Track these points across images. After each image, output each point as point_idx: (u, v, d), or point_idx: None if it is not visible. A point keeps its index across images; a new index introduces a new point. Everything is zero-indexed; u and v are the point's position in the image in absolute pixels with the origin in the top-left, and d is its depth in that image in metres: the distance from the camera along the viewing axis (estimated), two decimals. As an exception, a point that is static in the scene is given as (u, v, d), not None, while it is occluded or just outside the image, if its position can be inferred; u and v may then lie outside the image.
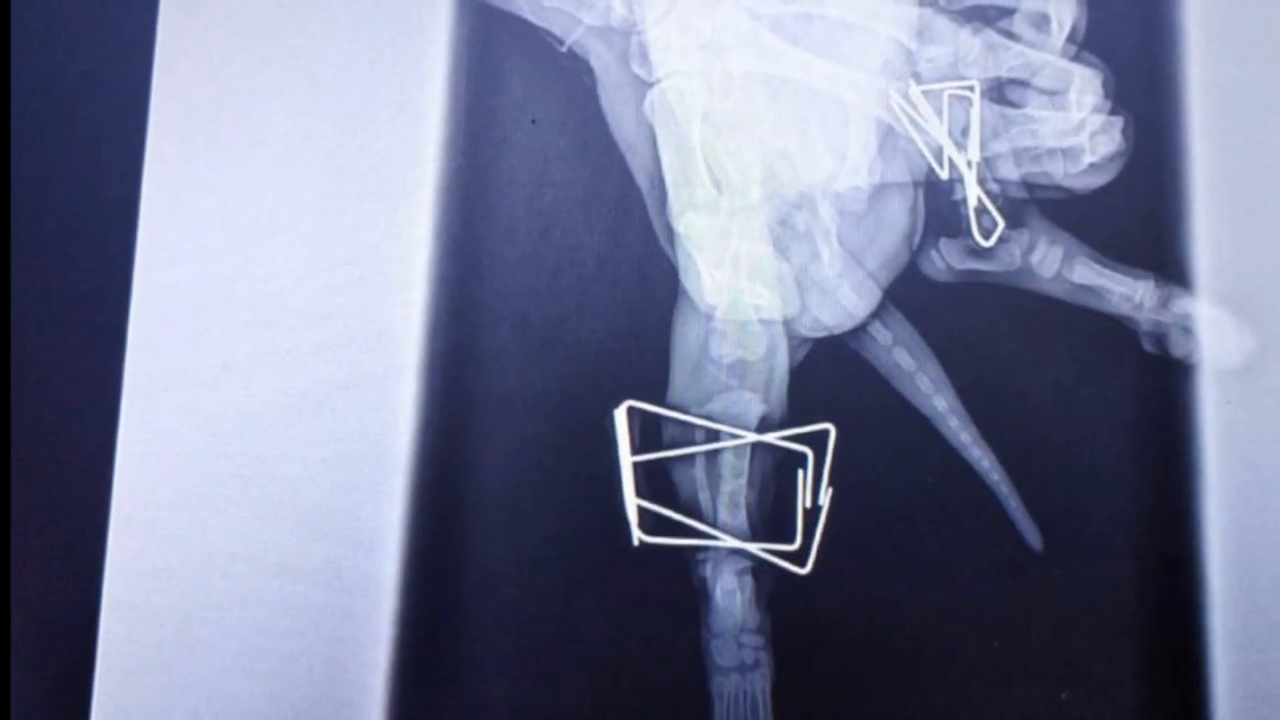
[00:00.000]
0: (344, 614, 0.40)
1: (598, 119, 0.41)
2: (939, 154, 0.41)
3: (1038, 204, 0.41)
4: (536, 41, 0.42)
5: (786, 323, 0.41)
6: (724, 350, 0.41)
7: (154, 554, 0.40)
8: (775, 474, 0.40)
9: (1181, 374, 0.40)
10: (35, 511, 0.41)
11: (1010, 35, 0.41)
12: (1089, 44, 0.41)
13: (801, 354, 0.41)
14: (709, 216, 0.41)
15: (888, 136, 0.41)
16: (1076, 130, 0.41)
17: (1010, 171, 0.41)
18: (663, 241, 0.41)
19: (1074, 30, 0.41)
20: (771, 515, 0.40)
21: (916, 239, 0.41)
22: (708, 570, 0.40)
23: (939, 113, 0.41)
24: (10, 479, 0.41)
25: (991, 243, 0.41)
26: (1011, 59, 0.41)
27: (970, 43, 0.41)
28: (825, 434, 0.40)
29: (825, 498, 0.40)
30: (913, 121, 0.41)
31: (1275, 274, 0.40)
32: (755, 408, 0.40)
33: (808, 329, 0.41)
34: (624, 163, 0.41)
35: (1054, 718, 0.39)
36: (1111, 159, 0.41)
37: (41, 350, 0.41)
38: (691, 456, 0.41)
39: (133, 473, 0.40)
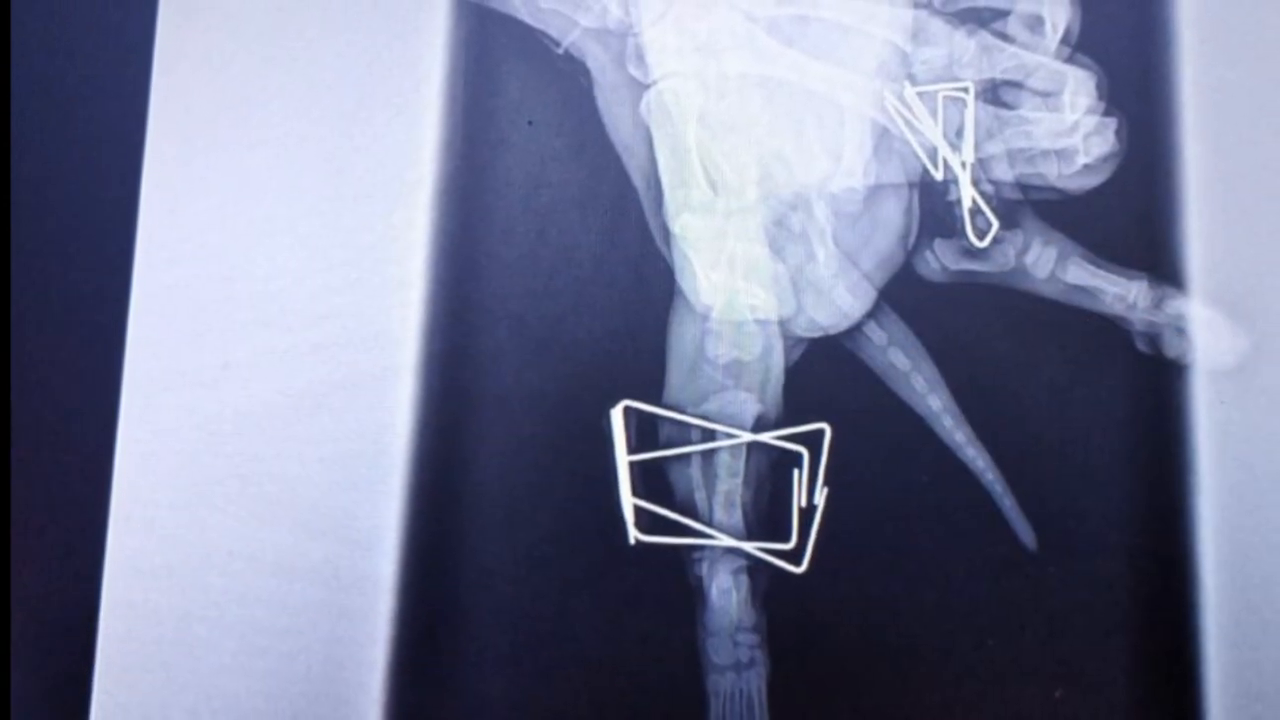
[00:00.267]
0: (342, 612, 0.40)
1: (594, 120, 0.42)
2: (934, 155, 0.41)
3: (1032, 205, 0.41)
4: (533, 43, 0.42)
5: (782, 323, 0.41)
6: (720, 350, 0.41)
7: (153, 553, 0.40)
8: (771, 473, 0.40)
9: (1175, 374, 0.40)
10: (35, 511, 0.41)
11: (1004, 37, 0.41)
12: (1083, 46, 0.41)
13: (797, 354, 0.41)
14: (705, 217, 0.41)
15: (883, 138, 0.41)
16: (1070, 131, 0.41)
17: (1004, 173, 0.41)
18: (659, 242, 0.41)
19: (1068, 32, 0.41)
20: (767, 514, 0.40)
21: (911, 240, 0.41)
22: (704, 569, 0.40)
23: (934, 114, 0.41)
24: (10, 479, 0.41)
25: (986, 243, 0.41)
26: (1006, 61, 0.41)
27: (965, 45, 0.41)
28: (820, 434, 0.40)
29: (820, 497, 0.40)
30: (908, 123, 0.41)
31: (1268, 274, 0.40)
32: (751, 407, 0.40)
33: (803, 329, 0.41)
34: (620, 164, 0.41)
35: (1048, 716, 0.39)
36: (1105, 160, 0.41)
37: (41, 350, 0.42)
38: (687, 456, 0.41)
39: (132, 472, 0.40)
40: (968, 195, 0.41)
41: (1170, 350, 0.40)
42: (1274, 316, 0.40)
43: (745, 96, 0.41)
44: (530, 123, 0.42)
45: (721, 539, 0.40)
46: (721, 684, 0.39)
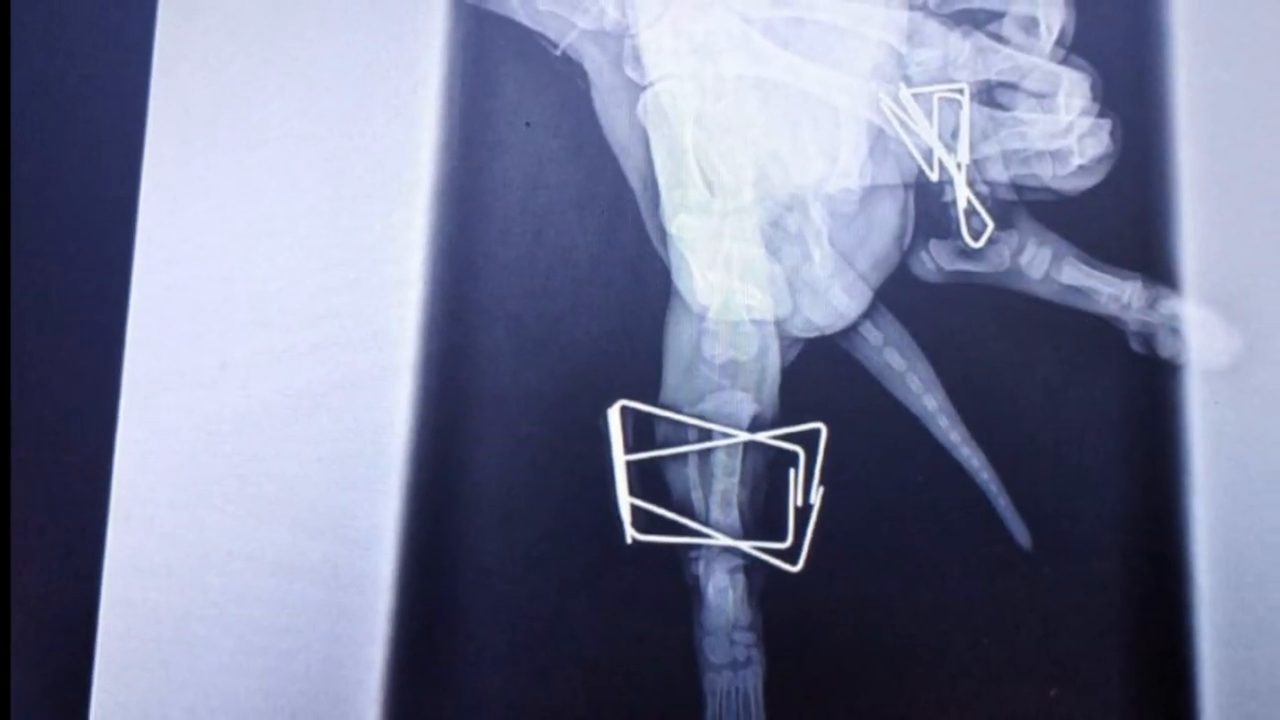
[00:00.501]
0: (340, 611, 0.40)
1: (591, 122, 0.42)
2: (929, 156, 0.41)
3: (1026, 206, 0.41)
4: (531, 45, 0.42)
5: (778, 323, 0.41)
6: (716, 350, 0.41)
7: (152, 552, 0.40)
8: (767, 473, 0.40)
9: (1169, 374, 0.40)
10: (35, 510, 0.41)
11: (999, 39, 0.41)
12: (1077, 47, 0.41)
13: (793, 354, 0.41)
14: (701, 218, 0.41)
15: (878, 139, 0.41)
16: (1065, 133, 0.41)
17: (999, 173, 0.41)
18: (656, 243, 0.41)
19: (1062, 34, 0.41)
20: (763, 514, 0.40)
21: (907, 240, 0.41)
22: (700, 568, 0.40)
23: (929, 115, 0.41)
24: (10, 479, 0.41)
25: (981, 244, 0.41)
26: (1001, 62, 0.41)
27: (960, 46, 0.41)
28: (816, 433, 0.40)
29: (816, 496, 0.40)
30: (903, 124, 0.41)
31: (1262, 275, 0.40)
32: (747, 407, 0.41)
33: (799, 329, 0.41)
34: (617, 165, 0.41)
35: (1042, 715, 0.39)
36: (1099, 161, 0.41)
37: (41, 350, 0.42)
38: (684, 455, 0.41)
39: (131, 471, 0.40)
40: (963, 196, 0.41)
41: (1164, 350, 0.40)
42: (1268, 317, 0.40)
43: (741, 98, 0.41)
44: (528, 124, 0.42)
45: (718, 538, 0.40)
46: (718, 682, 0.40)
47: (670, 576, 0.40)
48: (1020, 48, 0.41)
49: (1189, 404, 0.40)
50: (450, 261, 0.41)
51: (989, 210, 0.41)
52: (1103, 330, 0.40)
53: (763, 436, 0.40)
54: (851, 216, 0.41)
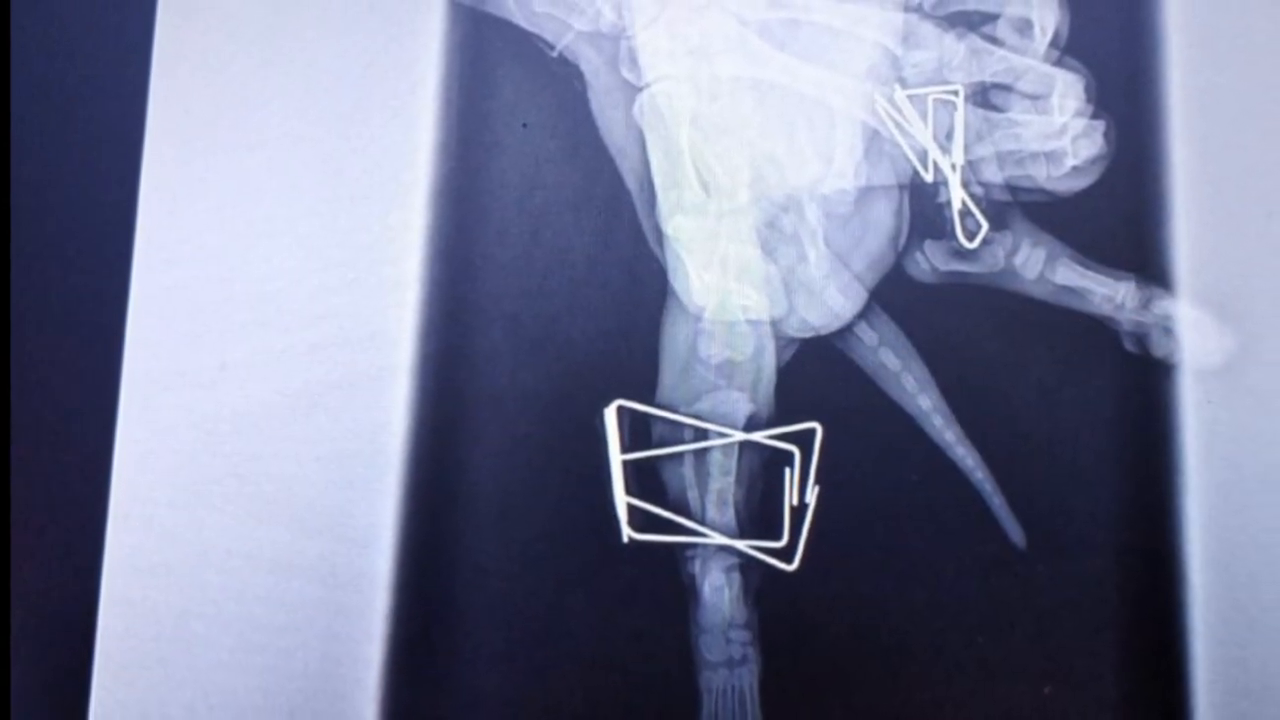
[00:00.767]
0: (338, 610, 0.40)
1: (588, 123, 0.42)
2: (924, 157, 0.41)
3: (1021, 206, 0.41)
4: (527, 47, 0.42)
5: (774, 323, 0.41)
6: (712, 350, 0.41)
7: (151, 551, 0.40)
8: (763, 472, 0.40)
9: (1162, 374, 0.40)
10: (35, 510, 0.41)
11: (994, 40, 0.41)
12: (1071, 49, 0.41)
13: (788, 354, 0.41)
14: (697, 219, 0.41)
15: (873, 140, 0.41)
16: (1059, 134, 0.41)
17: (994, 175, 0.41)
18: (652, 243, 0.41)
19: (1056, 35, 0.41)
20: (759, 513, 0.40)
21: (902, 241, 0.41)
22: (696, 567, 0.40)
23: (924, 117, 0.41)
24: (10, 478, 0.41)
25: (975, 245, 0.41)
26: (995, 64, 0.41)
27: (954, 48, 0.41)
28: (812, 433, 0.40)
29: (812, 495, 0.40)
30: (898, 125, 0.41)
31: (1255, 275, 0.40)
32: (743, 407, 0.41)
33: (795, 329, 0.41)
34: (614, 166, 0.41)
35: (1037, 712, 0.39)
36: (1093, 162, 0.41)
37: (41, 350, 0.42)
38: (680, 455, 0.41)
39: (131, 471, 0.41)
40: (957, 197, 0.41)
41: (1158, 350, 0.40)
42: (1260, 317, 0.40)
43: (737, 99, 0.41)
44: (525, 125, 0.42)
45: (714, 537, 0.40)
46: (714, 681, 0.40)
47: (666, 575, 0.40)
48: (1014, 49, 0.41)
49: (1182, 404, 0.40)
50: (448, 262, 0.41)
51: (983, 211, 0.41)
52: (1097, 330, 0.40)
53: (758, 436, 0.40)
54: (847, 217, 0.41)
